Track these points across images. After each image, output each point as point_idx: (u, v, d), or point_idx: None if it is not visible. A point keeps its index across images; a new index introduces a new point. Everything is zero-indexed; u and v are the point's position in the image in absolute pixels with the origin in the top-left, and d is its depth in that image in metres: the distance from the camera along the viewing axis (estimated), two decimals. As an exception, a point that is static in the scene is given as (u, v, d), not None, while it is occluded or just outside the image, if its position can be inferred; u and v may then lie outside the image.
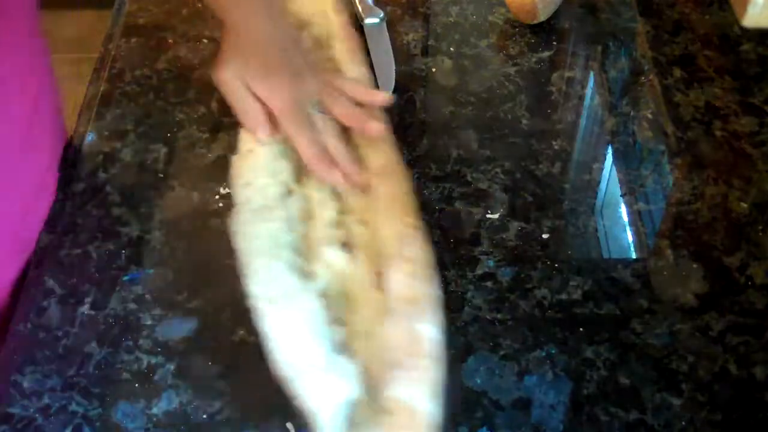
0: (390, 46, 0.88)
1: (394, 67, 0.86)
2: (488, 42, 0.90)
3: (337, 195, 0.70)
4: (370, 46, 0.88)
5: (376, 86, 0.83)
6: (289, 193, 0.70)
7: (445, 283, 0.68)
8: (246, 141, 0.74)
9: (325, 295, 0.63)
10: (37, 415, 0.60)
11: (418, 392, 0.56)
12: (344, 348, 0.60)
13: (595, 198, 0.76)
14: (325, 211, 0.68)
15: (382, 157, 0.72)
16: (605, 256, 0.71)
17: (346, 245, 0.66)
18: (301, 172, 0.72)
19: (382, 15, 0.90)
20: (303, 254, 0.66)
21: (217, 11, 0.72)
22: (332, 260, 0.65)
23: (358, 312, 0.63)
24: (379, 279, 0.63)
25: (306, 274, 0.64)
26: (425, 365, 0.57)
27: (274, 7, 0.72)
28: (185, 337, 0.65)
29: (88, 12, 2.26)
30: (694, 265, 0.70)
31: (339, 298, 0.64)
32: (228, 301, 0.67)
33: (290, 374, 0.58)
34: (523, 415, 0.61)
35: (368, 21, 0.90)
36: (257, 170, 0.71)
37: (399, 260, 0.62)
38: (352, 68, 0.79)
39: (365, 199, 0.69)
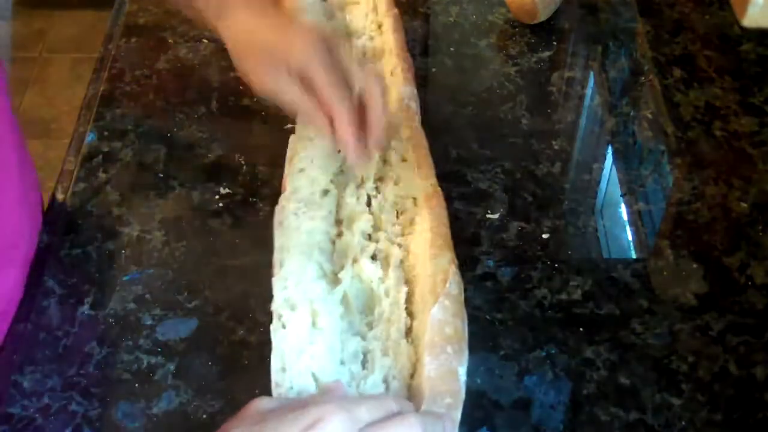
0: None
1: None
2: (488, 42, 0.90)
3: (370, 208, 0.68)
4: None
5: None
6: (326, 192, 0.69)
7: (445, 283, 0.68)
8: (306, 126, 0.72)
9: (347, 304, 0.62)
10: (37, 415, 0.60)
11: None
12: (358, 359, 0.59)
13: (595, 198, 0.76)
14: (360, 222, 0.67)
15: (427, 181, 0.69)
16: (605, 256, 0.71)
17: (376, 260, 0.65)
18: (339, 173, 0.71)
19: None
20: (332, 259, 0.65)
21: (207, 23, 0.69)
22: (365, 272, 0.64)
23: (380, 327, 0.61)
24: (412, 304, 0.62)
25: (332, 281, 0.63)
26: (452, 405, 0.56)
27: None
28: (185, 337, 0.65)
29: (88, 12, 2.26)
30: (694, 265, 0.70)
31: (362, 310, 0.63)
32: (228, 301, 0.67)
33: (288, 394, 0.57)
34: (523, 415, 0.61)
35: None
36: (314, 159, 0.69)
37: (443, 296, 0.59)
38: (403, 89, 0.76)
39: (402, 216, 0.67)
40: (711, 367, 0.64)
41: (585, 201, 0.75)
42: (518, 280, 0.69)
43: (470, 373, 0.62)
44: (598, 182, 0.77)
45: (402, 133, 0.72)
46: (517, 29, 0.91)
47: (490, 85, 0.85)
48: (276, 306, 0.60)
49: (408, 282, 0.63)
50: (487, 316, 0.66)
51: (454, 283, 0.61)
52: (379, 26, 0.84)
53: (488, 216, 0.73)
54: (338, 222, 0.68)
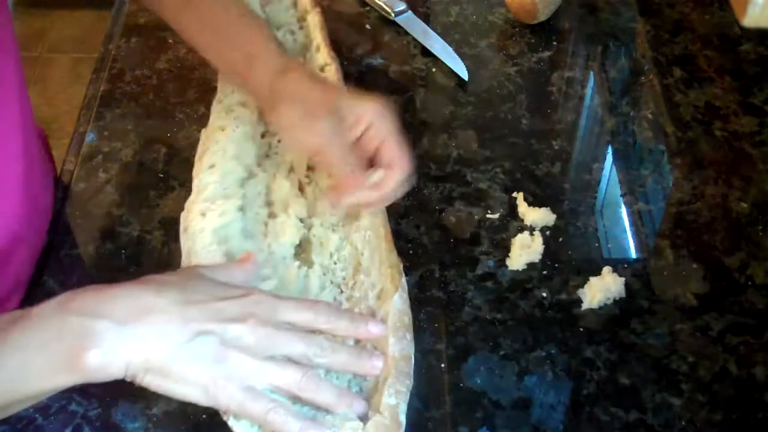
0: (434, 32, 0.89)
1: (453, 51, 0.87)
2: (488, 42, 0.90)
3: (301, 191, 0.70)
4: (417, 37, 0.89)
5: (452, 75, 0.85)
6: (250, 176, 0.69)
7: (445, 283, 0.68)
8: (219, 115, 0.73)
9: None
10: (37, 415, 0.60)
11: (402, 403, 0.58)
12: None
13: (595, 198, 0.76)
14: (297, 206, 0.68)
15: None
16: (605, 256, 0.71)
17: (302, 247, 0.67)
18: (264, 155, 0.72)
19: (404, 6, 0.91)
20: (259, 240, 0.66)
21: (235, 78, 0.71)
22: (285, 265, 0.66)
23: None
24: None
25: (261, 263, 0.64)
26: (409, 387, 0.59)
27: (271, 42, 0.68)
28: (185, 337, 0.65)
29: (88, 12, 2.26)
30: (694, 265, 0.70)
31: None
32: (228, 301, 0.67)
33: None
34: (523, 415, 0.61)
35: (398, 11, 0.91)
36: (226, 151, 0.70)
37: (400, 288, 0.63)
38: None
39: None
40: (711, 367, 0.63)
41: (585, 201, 0.75)
42: (518, 280, 0.69)
43: (470, 373, 0.63)
44: (598, 182, 0.77)
45: None
46: (517, 29, 0.91)
47: (490, 85, 0.85)
48: None
49: (354, 268, 0.65)
50: (487, 316, 0.66)
51: (404, 279, 0.64)
52: (300, 20, 0.84)
53: (488, 216, 0.73)
54: (269, 204, 0.69)
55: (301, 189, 0.71)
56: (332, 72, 0.78)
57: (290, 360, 0.55)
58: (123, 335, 0.50)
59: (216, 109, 0.74)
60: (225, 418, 0.56)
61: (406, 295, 0.64)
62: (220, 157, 0.69)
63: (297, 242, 0.67)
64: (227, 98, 0.74)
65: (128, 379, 0.52)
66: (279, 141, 0.73)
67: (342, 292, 0.65)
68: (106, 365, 0.50)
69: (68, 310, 0.51)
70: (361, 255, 0.66)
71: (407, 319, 0.62)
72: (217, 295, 0.54)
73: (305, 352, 0.55)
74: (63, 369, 0.50)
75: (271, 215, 0.68)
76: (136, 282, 0.55)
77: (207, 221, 0.65)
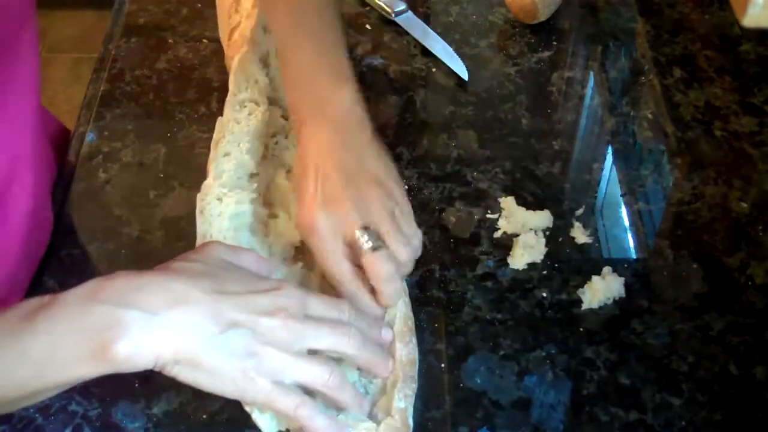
0: (434, 32, 0.89)
1: (453, 51, 0.87)
2: (488, 42, 0.90)
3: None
4: (417, 37, 0.89)
5: (452, 75, 0.85)
6: (253, 175, 0.69)
7: (445, 283, 0.68)
8: (234, 108, 0.72)
9: None
10: (37, 415, 0.60)
11: (410, 406, 0.59)
12: None
13: (595, 198, 0.76)
14: (290, 208, 0.68)
15: None
16: (605, 256, 0.71)
17: (302, 249, 0.67)
18: (261, 156, 0.72)
19: (404, 6, 0.91)
20: (260, 239, 0.66)
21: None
22: (285, 266, 0.66)
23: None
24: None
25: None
26: (414, 391, 0.60)
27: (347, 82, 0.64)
28: (185, 337, 0.65)
29: (88, 12, 2.26)
30: (694, 265, 0.70)
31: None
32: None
33: None
34: (523, 415, 0.61)
35: (398, 11, 0.91)
36: (241, 143, 0.70)
37: (404, 294, 0.64)
38: None
39: None
40: (711, 367, 0.63)
41: (585, 201, 0.75)
42: (518, 280, 0.69)
43: (470, 373, 0.63)
44: (598, 182, 0.77)
45: None
46: (517, 29, 0.91)
47: (490, 85, 0.85)
48: None
49: None
50: (487, 316, 0.66)
51: (405, 284, 0.64)
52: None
53: (488, 216, 0.73)
54: (268, 204, 0.69)
55: None
56: None
57: (316, 355, 0.55)
58: (153, 326, 0.50)
59: (231, 101, 0.73)
60: (248, 410, 0.56)
61: (408, 299, 0.64)
62: (236, 148, 0.69)
63: (297, 243, 0.67)
64: (241, 94, 0.74)
65: (156, 369, 0.51)
66: (276, 143, 0.73)
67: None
68: (135, 356, 0.49)
69: (98, 298, 0.50)
70: None
71: (411, 323, 0.63)
72: (250, 287, 0.54)
73: (335, 346, 0.55)
74: (90, 359, 0.49)
75: (271, 215, 0.68)
76: (166, 269, 0.54)
77: (224, 207, 0.65)
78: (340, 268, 0.59)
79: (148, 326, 0.49)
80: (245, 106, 0.73)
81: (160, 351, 0.50)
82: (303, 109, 0.64)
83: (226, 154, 0.69)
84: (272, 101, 0.75)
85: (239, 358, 0.52)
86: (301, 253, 0.67)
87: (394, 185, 0.62)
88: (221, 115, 0.73)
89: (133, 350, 0.49)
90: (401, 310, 0.62)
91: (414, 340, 0.62)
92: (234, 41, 0.79)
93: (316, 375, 0.54)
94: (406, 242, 0.60)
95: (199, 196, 0.66)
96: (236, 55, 0.75)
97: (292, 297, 0.55)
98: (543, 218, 0.72)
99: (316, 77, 0.65)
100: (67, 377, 0.50)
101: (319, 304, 0.56)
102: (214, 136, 0.71)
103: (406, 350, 0.61)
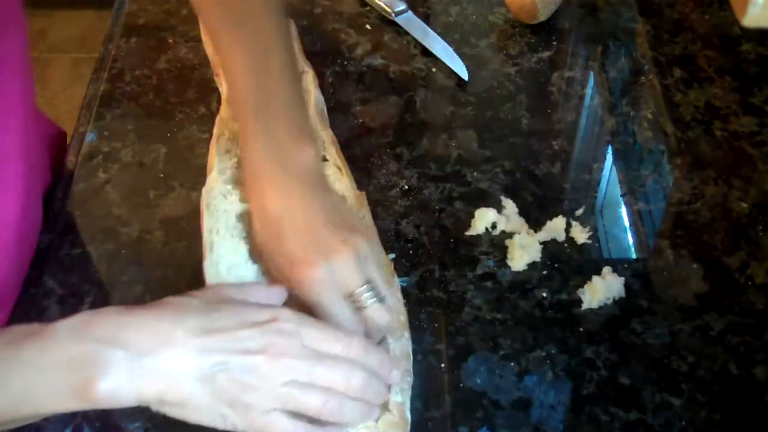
0: (434, 32, 0.89)
1: (453, 51, 0.87)
2: (488, 42, 0.90)
3: None
4: (417, 37, 0.89)
5: (452, 75, 0.85)
6: None
7: (445, 283, 0.68)
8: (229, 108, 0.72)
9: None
10: (37, 415, 0.60)
11: (407, 400, 0.59)
12: None
13: (595, 198, 0.76)
14: None
15: (352, 183, 0.71)
16: (605, 256, 0.71)
17: None
18: None
19: (404, 6, 0.91)
20: None
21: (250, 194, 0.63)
22: None
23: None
24: None
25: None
26: (410, 384, 0.60)
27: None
28: (185, 337, 0.65)
29: (88, 12, 2.26)
30: (694, 265, 0.70)
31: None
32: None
33: None
34: (523, 415, 0.61)
35: (398, 11, 0.91)
36: (238, 142, 0.69)
37: (395, 288, 0.63)
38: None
39: None
40: (711, 367, 0.63)
41: (585, 201, 0.75)
42: (518, 280, 0.69)
43: (470, 373, 0.63)
44: (598, 182, 0.77)
45: (321, 137, 0.73)
46: (517, 29, 0.91)
47: (490, 85, 0.85)
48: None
49: None
50: (487, 316, 0.66)
51: (397, 278, 0.65)
52: None
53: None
54: None
55: None
56: (309, 79, 0.78)
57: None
58: (136, 367, 0.49)
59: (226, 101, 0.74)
60: None
61: (399, 294, 0.64)
62: (235, 146, 0.69)
63: None
64: None
65: (143, 406, 0.51)
66: None
67: None
68: (117, 396, 0.49)
69: (85, 335, 0.50)
70: None
71: (403, 318, 0.63)
72: (241, 320, 0.53)
73: (330, 385, 0.53)
74: (71, 395, 0.49)
75: None
76: (157, 306, 0.53)
77: (230, 204, 0.65)
78: (344, 316, 0.58)
79: (131, 367, 0.49)
80: None
81: (142, 392, 0.50)
82: (261, 163, 0.62)
83: (227, 151, 0.69)
84: None
85: (226, 397, 0.51)
86: None
87: (370, 234, 0.62)
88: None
89: (115, 390, 0.49)
90: (391, 306, 0.61)
91: (407, 334, 0.62)
92: None
93: (309, 404, 0.52)
94: (390, 293, 0.61)
95: (204, 189, 0.66)
96: None
97: (286, 330, 0.53)
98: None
99: (277, 133, 0.62)
100: (46, 410, 0.50)
101: (318, 337, 0.54)
102: (215, 131, 0.71)
103: (399, 345, 0.61)
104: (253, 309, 0.54)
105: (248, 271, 0.62)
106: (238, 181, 0.67)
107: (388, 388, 0.57)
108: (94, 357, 0.49)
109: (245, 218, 0.65)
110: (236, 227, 0.64)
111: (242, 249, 0.62)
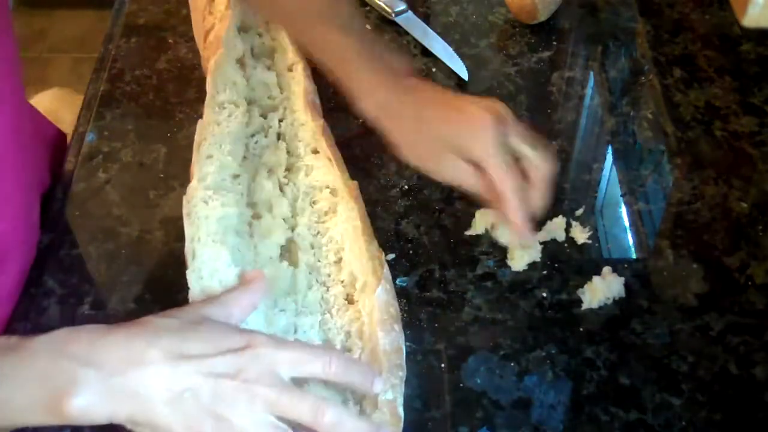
0: (434, 32, 0.89)
1: (453, 51, 0.87)
2: (488, 42, 0.90)
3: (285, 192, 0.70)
4: (417, 37, 0.89)
5: (452, 75, 0.86)
6: (236, 177, 0.69)
7: (445, 283, 0.68)
8: (214, 110, 0.72)
9: (269, 284, 0.63)
10: (37, 415, 0.60)
11: (399, 396, 0.58)
12: (290, 334, 0.62)
13: (595, 198, 0.76)
14: (281, 207, 0.68)
15: (343, 174, 0.71)
16: (605, 256, 0.71)
17: (287, 247, 0.67)
18: (245, 159, 0.72)
19: (404, 6, 0.91)
20: (249, 241, 0.66)
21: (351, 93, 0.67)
22: (272, 265, 0.66)
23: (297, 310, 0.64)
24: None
25: (249, 263, 0.64)
26: (402, 379, 0.59)
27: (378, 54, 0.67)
28: (185, 337, 0.65)
29: (88, 12, 2.26)
30: (694, 265, 0.70)
31: (287, 290, 0.65)
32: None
33: None
34: (523, 415, 0.61)
35: (398, 11, 0.91)
36: (222, 144, 0.69)
37: (383, 280, 0.63)
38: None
39: (316, 205, 0.69)
40: (711, 367, 0.63)
41: (585, 201, 0.75)
42: (518, 280, 0.69)
43: (470, 373, 0.63)
44: (598, 182, 0.77)
45: (311, 128, 0.73)
46: (517, 29, 0.91)
47: (490, 85, 0.85)
48: (193, 297, 0.60)
49: (336, 264, 0.66)
50: (487, 316, 0.66)
51: (387, 269, 0.64)
52: (268, 23, 0.84)
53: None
54: (251, 205, 0.69)
55: (280, 189, 0.71)
56: (300, 70, 0.78)
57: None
58: (108, 387, 0.50)
59: (210, 104, 0.73)
60: None
61: (389, 286, 0.63)
62: (217, 150, 0.69)
63: (282, 242, 0.67)
64: (220, 96, 0.74)
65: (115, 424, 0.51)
66: (256, 142, 0.74)
67: (328, 290, 0.65)
68: (89, 414, 0.50)
69: (61, 352, 0.51)
70: (342, 250, 0.66)
71: (393, 309, 0.62)
72: (216, 345, 0.53)
73: (305, 417, 0.53)
74: (45, 410, 0.50)
75: (255, 216, 0.68)
76: (135, 325, 0.53)
77: (210, 210, 0.64)
78: (506, 158, 0.62)
79: (102, 387, 0.50)
80: (225, 108, 0.73)
81: (114, 411, 0.50)
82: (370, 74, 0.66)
83: (209, 157, 0.68)
84: (250, 101, 0.76)
85: (196, 421, 0.51)
86: (287, 251, 0.67)
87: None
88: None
89: (87, 408, 0.50)
90: (381, 298, 0.61)
91: (397, 327, 0.61)
92: (209, 43, 0.79)
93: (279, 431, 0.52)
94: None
95: (185, 198, 0.66)
96: (212, 58, 0.76)
97: (260, 357, 0.53)
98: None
99: (382, 59, 0.67)
100: (19, 422, 0.51)
101: (295, 358, 0.54)
102: (196, 138, 0.71)
103: (389, 338, 0.60)
104: (230, 334, 0.54)
105: (230, 275, 0.61)
106: (221, 185, 0.67)
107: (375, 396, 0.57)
108: (67, 374, 0.50)
109: (224, 221, 0.64)
110: (217, 232, 0.63)
111: (224, 253, 0.62)
